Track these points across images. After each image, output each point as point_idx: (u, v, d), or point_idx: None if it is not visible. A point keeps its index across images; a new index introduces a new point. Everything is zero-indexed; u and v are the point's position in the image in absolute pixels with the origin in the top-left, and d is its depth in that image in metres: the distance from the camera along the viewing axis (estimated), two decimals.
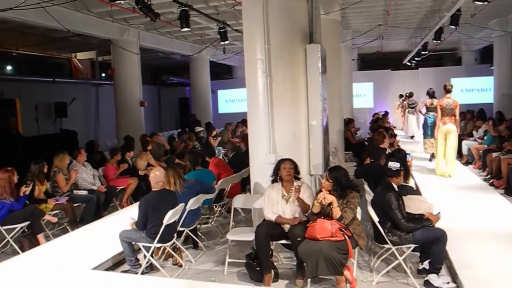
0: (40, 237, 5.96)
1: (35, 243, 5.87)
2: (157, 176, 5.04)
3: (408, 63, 18.81)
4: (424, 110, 10.79)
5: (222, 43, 12.01)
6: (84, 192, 7.11)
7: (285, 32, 5.29)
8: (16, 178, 6.06)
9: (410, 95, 15.89)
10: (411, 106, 15.73)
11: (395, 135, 10.22)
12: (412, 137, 15.49)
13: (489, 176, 9.03)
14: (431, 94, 10.61)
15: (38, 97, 14.57)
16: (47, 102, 14.92)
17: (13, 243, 5.82)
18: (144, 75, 14.12)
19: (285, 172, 4.76)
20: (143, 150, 9.00)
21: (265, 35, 5.15)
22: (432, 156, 10.05)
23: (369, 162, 6.64)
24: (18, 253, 5.65)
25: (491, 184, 8.44)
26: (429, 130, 10.48)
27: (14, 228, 5.88)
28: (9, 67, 15.77)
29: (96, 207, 7.06)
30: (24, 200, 6.08)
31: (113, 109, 13.32)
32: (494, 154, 8.97)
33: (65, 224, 6.58)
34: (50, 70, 16.71)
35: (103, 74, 18.50)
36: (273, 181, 4.89)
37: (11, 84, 13.24)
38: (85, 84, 17.31)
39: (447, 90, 9.07)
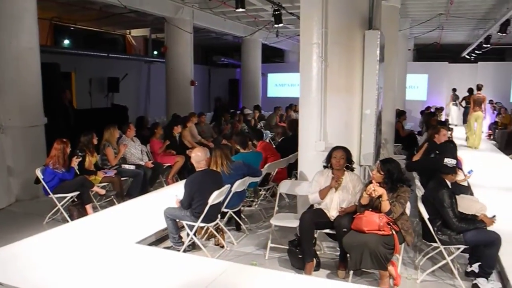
0: (89, 207, 6.16)
1: (83, 213, 6.08)
2: (198, 156, 5.04)
3: (467, 56, 17.99)
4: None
5: (275, 26, 11.87)
6: (132, 167, 7.25)
7: (344, 17, 5.11)
8: (69, 149, 6.25)
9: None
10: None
11: (450, 129, 9.83)
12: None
13: None
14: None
15: (92, 72, 14.97)
16: (101, 76, 15.31)
17: (63, 211, 6.05)
18: (196, 54, 14.16)
19: (335, 161, 4.66)
20: (183, 127, 9.12)
21: (323, 18, 5.00)
22: None
23: (421, 155, 6.42)
24: (67, 221, 5.88)
25: None
26: None
27: (65, 197, 6.11)
28: (66, 41, 16.25)
29: (143, 182, 7.20)
30: (74, 170, 6.29)
31: (163, 86, 13.49)
32: None
33: (112, 196, 6.76)
34: (105, 46, 17.10)
35: (155, 52, 18.77)
36: (325, 167, 4.80)
37: (67, 58, 13.61)
38: (137, 61, 17.63)
39: (478, 88, 12.34)
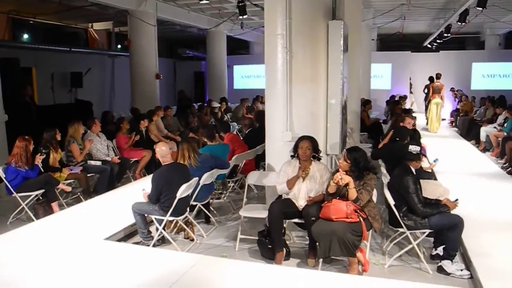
0: (54, 205, 6.02)
1: (49, 211, 5.94)
2: (162, 151, 5.01)
3: (429, 46, 18.43)
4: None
5: (240, 17, 11.81)
6: (98, 163, 7.12)
7: (308, 7, 5.12)
8: (32, 146, 6.08)
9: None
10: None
11: (414, 117, 10.05)
12: None
13: (507, 164, 8.86)
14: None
15: (54, 67, 14.54)
16: (63, 71, 14.89)
17: (28, 210, 5.88)
18: (160, 47, 13.97)
19: (301, 151, 4.68)
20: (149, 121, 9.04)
21: (287, 9, 4.99)
22: None
23: (385, 143, 6.55)
24: (33, 220, 5.72)
25: (509, 173, 8.29)
26: None
27: (29, 196, 5.94)
28: (25, 36, 15.72)
29: (110, 178, 7.09)
30: (38, 168, 6.12)
31: (128, 80, 13.27)
32: None
33: (79, 193, 6.64)
34: (66, 40, 16.64)
35: (119, 46, 18.40)
36: (292, 157, 4.82)
37: (27, 53, 13.19)
38: (101, 55, 17.23)
39: (437, 77, 13.58)
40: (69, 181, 6.53)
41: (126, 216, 5.22)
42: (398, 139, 6.05)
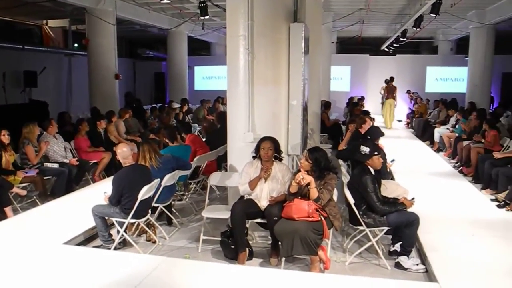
0: (8, 210, 5.77)
1: (2, 217, 5.68)
2: (124, 152, 4.93)
3: (386, 49, 18.95)
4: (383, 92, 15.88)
5: (201, 18, 11.77)
6: (55, 165, 6.91)
7: (269, 9, 5.17)
8: None
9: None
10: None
11: (373, 119, 10.33)
12: None
13: (458, 163, 9.24)
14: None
15: (5, 65, 13.95)
16: (16, 70, 14.30)
17: None
18: (120, 47, 13.75)
19: (263, 152, 4.71)
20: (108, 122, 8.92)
21: (249, 11, 5.02)
22: None
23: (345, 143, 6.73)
24: None
25: (461, 172, 8.65)
26: None
27: None
28: None
29: (68, 180, 6.90)
30: None
31: (86, 80, 12.95)
32: (465, 143, 9.16)
33: (35, 197, 6.38)
34: (18, 37, 16.03)
35: (76, 44, 17.91)
36: (254, 158, 4.85)
37: None
38: (57, 54, 16.69)
39: (391, 79, 15.34)
40: (24, 184, 6.30)
41: (86, 219, 5.11)
42: (369, 137, 6.17)
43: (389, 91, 15.26)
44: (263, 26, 5.14)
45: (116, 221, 4.83)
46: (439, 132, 11.54)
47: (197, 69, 21.33)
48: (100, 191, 5.15)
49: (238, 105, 5.30)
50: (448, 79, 19.53)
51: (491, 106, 16.15)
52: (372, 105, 17.75)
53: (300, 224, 4.17)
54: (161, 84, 21.61)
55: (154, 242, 5.19)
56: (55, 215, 5.68)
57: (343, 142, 7.28)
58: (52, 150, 7.09)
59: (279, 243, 4.41)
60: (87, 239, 5.19)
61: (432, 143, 11.94)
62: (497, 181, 6.86)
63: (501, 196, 6.53)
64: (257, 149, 4.77)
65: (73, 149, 7.77)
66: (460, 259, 4.39)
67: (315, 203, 4.28)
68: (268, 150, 4.70)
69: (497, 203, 6.43)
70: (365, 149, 4.70)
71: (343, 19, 14.83)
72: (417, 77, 19.27)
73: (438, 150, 11.13)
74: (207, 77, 21.48)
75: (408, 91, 18.03)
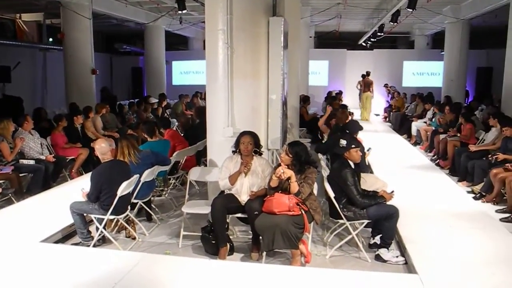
0: None
1: None
2: (102, 148, 4.84)
3: (364, 44, 19.11)
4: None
5: (179, 12, 11.64)
6: (31, 162, 6.77)
7: (248, 3, 5.14)
8: None
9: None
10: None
11: (352, 113, 10.45)
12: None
13: (435, 156, 9.40)
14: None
15: None
16: None
17: None
18: (96, 42, 13.49)
19: (243, 146, 4.70)
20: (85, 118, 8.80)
21: (228, 4, 4.98)
22: None
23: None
24: None
25: (437, 164, 8.81)
26: None
27: None
28: None
29: (44, 177, 6.77)
30: None
31: (62, 76, 12.70)
32: (441, 136, 9.32)
33: (10, 195, 6.23)
34: None
35: (51, 39, 17.53)
36: (234, 152, 4.83)
37: None
38: (31, 48, 16.34)
39: (367, 74, 15.96)
40: None
41: (63, 216, 5.02)
42: (348, 131, 6.21)
43: (366, 85, 15.85)
44: (242, 20, 5.11)
45: (95, 217, 4.75)
46: (416, 125, 11.73)
47: (175, 64, 21.16)
48: (77, 187, 5.06)
49: (218, 100, 5.26)
50: (424, 73, 19.82)
51: (466, 100, 16.46)
52: (350, 99, 17.95)
53: (281, 218, 4.18)
54: (138, 79, 21.36)
55: (134, 238, 5.14)
56: (31, 213, 5.56)
57: (322, 119, 7.39)
58: (28, 147, 6.94)
59: (260, 237, 4.41)
60: (65, 236, 5.10)
61: (409, 136, 12.12)
62: (473, 173, 7.01)
63: (477, 188, 6.66)
64: (237, 144, 4.76)
65: (49, 145, 7.63)
66: (438, 250, 4.46)
67: (296, 197, 4.30)
68: (248, 144, 4.69)
69: (473, 195, 6.58)
70: (342, 142, 4.74)
71: (321, 14, 14.89)
72: (394, 72, 19.50)
73: (415, 144, 11.30)
74: (185, 72, 21.32)
75: (386, 85, 18.25)
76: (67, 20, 12.14)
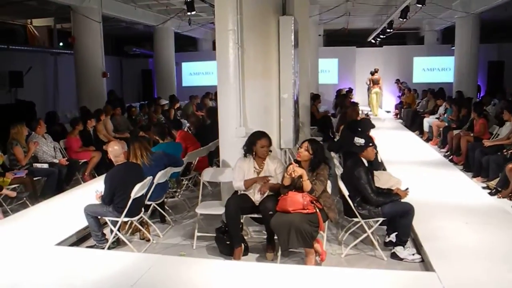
0: None
1: None
2: (115, 150, 4.85)
3: (373, 41, 18.99)
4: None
5: (188, 14, 11.67)
6: (45, 165, 6.83)
7: (258, 2, 5.11)
8: None
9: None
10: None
11: (367, 114, 10.43)
12: None
13: (448, 152, 9.31)
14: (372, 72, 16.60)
15: None
16: (1, 70, 14.07)
17: None
18: (106, 45, 13.59)
19: (262, 150, 4.64)
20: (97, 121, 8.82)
21: (238, 5, 4.96)
22: None
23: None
24: None
25: (451, 160, 8.71)
26: None
27: None
28: None
29: (58, 180, 6.82)
30: None
31: (73, 79, 12.81)
32: (455, 132, 9.23)
33: (25, 198, 6.29)
34: (3, 37, 15.79)
35: (61, 43, 17.68)
36: (245, 155, 4.77)
37: None
38: (42, 53, 16.48)
39: (375, 71, 16.34)
40: (13, 186, 6.20)
41: (78, 219, 5.04)
42: (360, 130, 6.18)
43: (374, 81, 16.27)
44: (252, 20, 5.09)
45: (109, 220, 4.78)
46: (428, 121, 11.62)
47: (185, 65, 21.19)
48: (91, 190, 5.09)
49: (229, 100, 5.25)
50: (435, 69, 19.62)
51: (478, 95, 16.29)
52: (360, 96, 17.87)
53: (295, 216, 4.15)
54: (148, 81, 21.45)
55: (148, 240, 5.15)
56: (46, 216, 5.60)
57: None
58: (41, 151, 7.00)
59: (275, 237, 4.39)
60: (80, 239, 5.13)
61: (421, 133, 12.03)
62: (488, 168, 6.93)
63: (492, 183, 6.59)
64: (250, 145, 4.71)
65: (62, 148, 7.68)
66: (455, 247, 4.41)
67: (310, 195, 4.27)
68: (267, 147, 4.66)
69: (488, 191, 6.50)
70: (360, 141, 4.70)
71: (330, 12, 14.82)
72: (404, 68, 19.34)
73: (427, 140, 11.22)
74: (194, 73, 21.36)
75: (397, 81, 18.11)
76: (77, 24, 12.25)
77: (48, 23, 17.16)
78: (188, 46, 22.65)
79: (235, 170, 4.82)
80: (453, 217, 5.27)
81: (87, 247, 4.94)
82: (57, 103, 16.46)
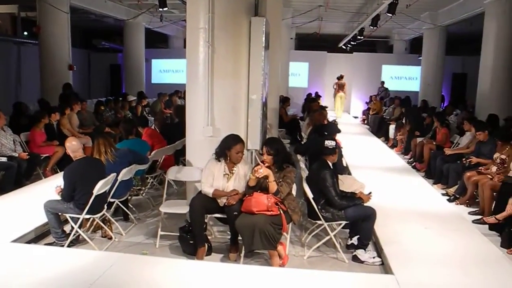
0: None
1: None
2: (73, 146, 4.75)
3: (344, 47, 19.26)
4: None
5: (160, 9, 11.53)
6: (3, 159, 6.57)
7: (231, 2, 5.10)
8: None
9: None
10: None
11: (335, 121, 10.53)
12: None
13: (412, 159, 9.54)
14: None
15: None
16: None
17: None
18: (74, 37, 13.24)
19: (237, 156, 4.55)
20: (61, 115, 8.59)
21: (210, 3, 4.93)
22: None
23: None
24: None
25: (414, 167, 8.93)
26: None
27: None
28: None
29: (17, 175, 6.59)
30: None
31: (37, 71, 12.41)
32: (418, 139, 9.46)
33: None
34: None
35: (26, 32, 17.12)
36: (217, 159, 4.63)
37: None
38: (4, 41, 15.93)
39: (341, 76, 17.49)
40: None
41: (37, 215, 4.90)
42: (327, 133, 6.23)
43: (340, 86, 17.40)
44: (224, 19, 5.07)
45: (70, 217, 4.66)
46: (394, 128, 11.86)
47: (155, 62, 20.94)
48: (52, 186, 4.93)
49: (198, 99, 5.21)
50: (402, 77, 20.09)
51: (442, 105, 16.78)
52: (329, 101, 18.10)
53: (259, 218, 4.15)
54: (117, 77, 21.06)
55: (110, 238, 5.05)
56: (2, 211, 5.39)
57: None
58: (0, 143, 6.76)
59: (239, 238, 4.38)
60: (38, 236, 4.97)
61: (387, 139, 12.27)
62: (448, 176, 7.14)
63: (451, 190, 6.80)
64: (223, 149, 4.58)
65: (22, 142, 7.43)
66: (414, 251, 4.53)
67: (275, 196, 4.28)
68: (241, 153, 4.60)
69: (447, 197, 6.71)
70: (331, 143, 4.76)
71: (302, 16, 14.93)
72: (373, 75, 19.69)
73: (392, 146, 11.44)
74: (164, 70, 21.12)
75: (382, 83, 18.55)
76: (43, 14, 11.85)
77: (11, 10, 16.54)
78: (159, 43, 22.36)
79: (204, 172, 4.70)
80: (413, 222, 5.42)
81: (46, 244, 4.80)
82: (19, 94, 15.92)
